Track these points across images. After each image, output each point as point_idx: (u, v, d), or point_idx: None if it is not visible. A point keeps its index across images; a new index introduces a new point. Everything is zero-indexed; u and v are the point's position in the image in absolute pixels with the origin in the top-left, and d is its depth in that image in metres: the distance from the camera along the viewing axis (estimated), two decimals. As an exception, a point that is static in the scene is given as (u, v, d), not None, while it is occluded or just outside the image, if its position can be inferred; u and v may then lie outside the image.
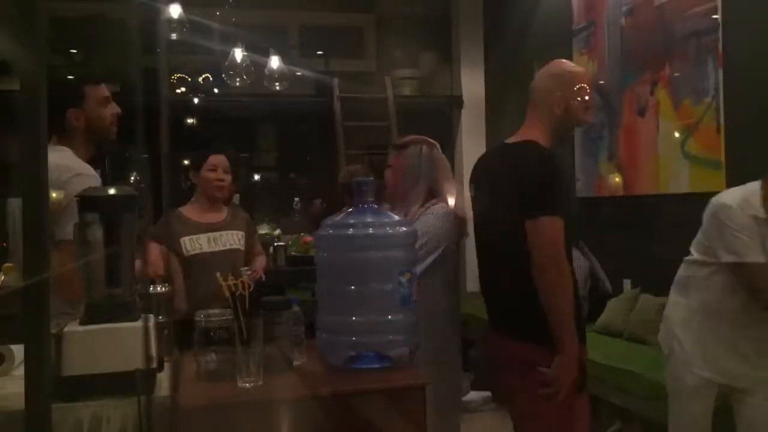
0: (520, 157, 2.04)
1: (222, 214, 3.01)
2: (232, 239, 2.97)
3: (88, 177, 2.05)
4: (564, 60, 2.20)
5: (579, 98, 2.09)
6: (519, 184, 1.98)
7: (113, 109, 2.26)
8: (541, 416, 1.98)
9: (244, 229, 3.05)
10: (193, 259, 2.86)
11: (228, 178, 2.97)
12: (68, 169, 2.04)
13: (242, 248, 3.01)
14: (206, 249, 2.90)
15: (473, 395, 4.25)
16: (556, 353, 1.91)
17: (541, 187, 1.95)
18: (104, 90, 2.25)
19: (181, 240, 2.88)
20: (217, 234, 2.94)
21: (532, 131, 2.09)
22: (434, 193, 2.56)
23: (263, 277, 3.07)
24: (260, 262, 3.16)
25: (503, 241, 2.05)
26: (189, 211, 3.00)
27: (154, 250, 2.71)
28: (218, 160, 2.97)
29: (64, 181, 1.99)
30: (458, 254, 2.63)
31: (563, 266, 1.91)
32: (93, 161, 2.22)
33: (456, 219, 2.50)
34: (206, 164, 2.96)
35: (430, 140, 2.64)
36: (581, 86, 2.10)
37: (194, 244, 2.89)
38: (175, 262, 2.88)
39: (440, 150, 2.64)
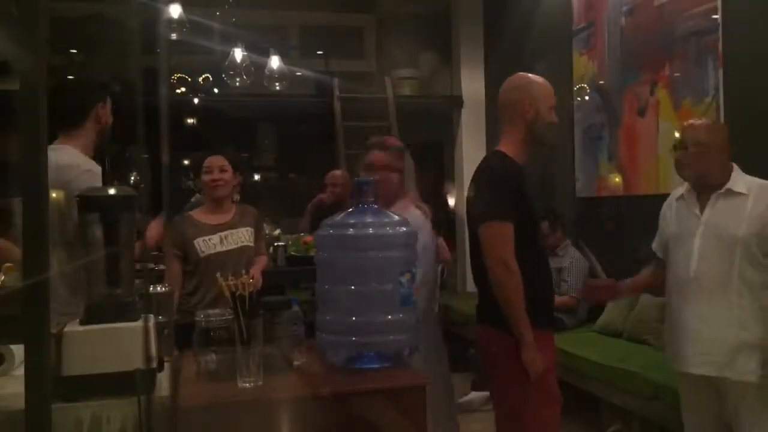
0: (483, 167, 2.32)
1: (230, 213, 3.06)
2: (243, 236, 3.02)
3: (96, 174, 2.09)
4: (522, 73, 2.39)
5: (546, 103, 2.30)
6: (477, 191, 2.28)
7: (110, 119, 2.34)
8: (512, 397, 2.23)
9: (252, 225, 3.09)
10: (209, 260, 2.91)
11: (224, 177, 3.00)
12: (77, 166, 2.11)
13: (251, 243, 3.05)
14: (220, 248, 2.95)
15: (473, 395, 4.25)
16: (520, 342, 2.14)
17: (491, 195, 2.21)
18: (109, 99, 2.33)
19: (195, 242, 2.93)
20: (227, 232, 2.99)
21: (505, 143, 2.32)
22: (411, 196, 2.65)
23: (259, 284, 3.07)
24: (259, 265, 3.15)
25: (473, 242, 2.28)
26: (199, 214, 3.07)
27: (154, 225, 2.81)
28: (212, 161, 3.01)
29: (74, 177, 2.04)
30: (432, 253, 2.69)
31: (510, 266, 2.12)
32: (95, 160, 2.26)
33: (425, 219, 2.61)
34: (203, 167, 3.02)
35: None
36: (547, 91, 2.33)
37: (208, 244, 2.95)
38: (176, 266, 2.93)
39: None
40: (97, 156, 2.30)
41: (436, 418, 2.44)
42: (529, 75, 2.37)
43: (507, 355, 2.17)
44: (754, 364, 2.29)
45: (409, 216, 2.45)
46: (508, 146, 2.30)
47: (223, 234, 2.97)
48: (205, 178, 3.01)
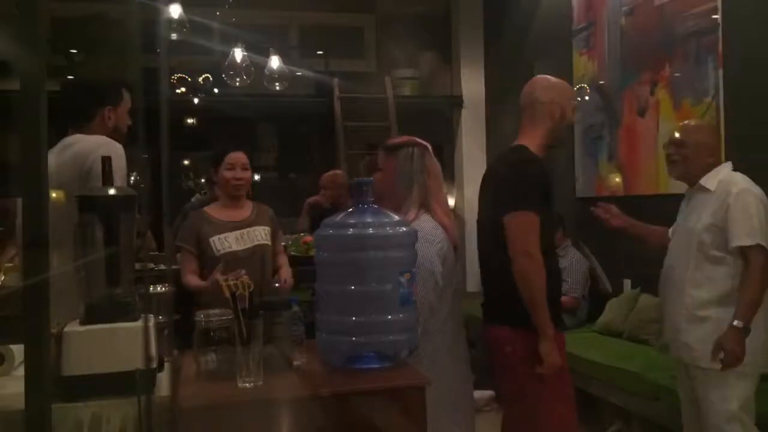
0: (505, 160, 2.36)
1: (246, 211, 3.00)
2: (259, 235, 2.95)
3: (116, 153, 2.14)
4: (545, 75, 2.49)
5: (570, 105, 2.40)
6: (500, 184, 2.27)
7: (128, 120, 2.36)
8: (526, 397, 2.22)
9: (269, 224, 3.02)
10: (224, 258, 2.85)
11: (246, 175, 2.96)
12: (95, 150, 2.17)
13: (269, 243, 2.98)
14: (235, 247, 2.89)
15: (476, 395, 4.24)
16: (540, 336, 2.13)
17: (518, 185, 2.21)
18: (130, 100, 2.35)
19: (210, 240, 2.88)
20: (244, 231, 2.93)
21: (526, 138, 2.36)
22: (424, 201, 2.38)
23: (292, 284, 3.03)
24: (286, 266, 3.10)
25: (490, 236, 2.27)
26: (214, 210, 3.00)
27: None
28: (235, 157, 2.95)
29: (97, 146, 2.15)
30: (456, 259, 2.56)
31: (536, 257, 2.13)
32: None
33: (445, 230, 2.35)
34: (224, 163, 2.94)
35: (422, 142, 2.48)
36: (572, 94, 2.47)
37: (224, 243, 2.89)
38: (193, 263, 2.92)
39: (432, 152, 2.49)
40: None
41: (456, 419, 2.39)
42: (552, 78, 2.46)
43: (522, 353, 2.17)
44: (705, 350, 2.39)
45: (417, 225, 2.19)
46: (530, 143, 2.34)
47: (239, 232, 2.92)
48: (227, 174, 2.93)
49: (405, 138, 2.50)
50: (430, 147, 2.50)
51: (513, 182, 2.22)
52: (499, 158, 2.40)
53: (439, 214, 2.35)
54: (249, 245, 2.91)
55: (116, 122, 2.34)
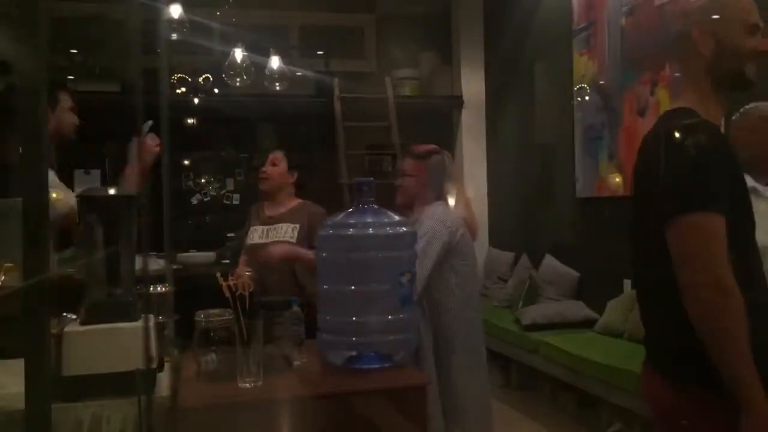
0: (668, 132, 1.49)
1: (284, 208, 3.04)
2: (284, 232, 2.92)
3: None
4: None
5: (735, 23, 1.47)
6: (666, 172, 1.46)
7: (74, 119, 2.35)
8: None
9: (304, 221, 2.92)
10: (249, 249, 2.99)
11: (271, 171, 3.04)
12: None
13: (293, 240, 2.87)
14: (257, 240, 2.97)
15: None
16: (742, 408, 1.32)
17: (690, 176, 1.40)
18: (69, 99, 2.33)
19: (249, 230, 3.05)
20: (272, 227, 2.98)
21: (684, 94, 1.55)
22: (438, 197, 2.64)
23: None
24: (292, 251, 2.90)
25: (650, 248, 1.51)
26: (265, 204, 3.13)
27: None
28: (270, 155, 3.11)
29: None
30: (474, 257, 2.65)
31: (725, 285, 1.33)
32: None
33: (466, 221, 2.61)
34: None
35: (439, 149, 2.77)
36: (735, 5, 1.50)
37: (252, 235, 3.01)
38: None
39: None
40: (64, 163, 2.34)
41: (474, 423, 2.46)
42: None
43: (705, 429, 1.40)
44: None
45: (432, 209, 2.52)
46: (689, 98, 1.53)
47: (266, 228, 2.99)
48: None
49: (430, 146, 2.72)
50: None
51: (678, 170, 1.43)
52: (660, 130, 1.55)
53: (459, 207, 2.65)
54: (268, 240, 2.93)
55: (56, 125, 2.31)
